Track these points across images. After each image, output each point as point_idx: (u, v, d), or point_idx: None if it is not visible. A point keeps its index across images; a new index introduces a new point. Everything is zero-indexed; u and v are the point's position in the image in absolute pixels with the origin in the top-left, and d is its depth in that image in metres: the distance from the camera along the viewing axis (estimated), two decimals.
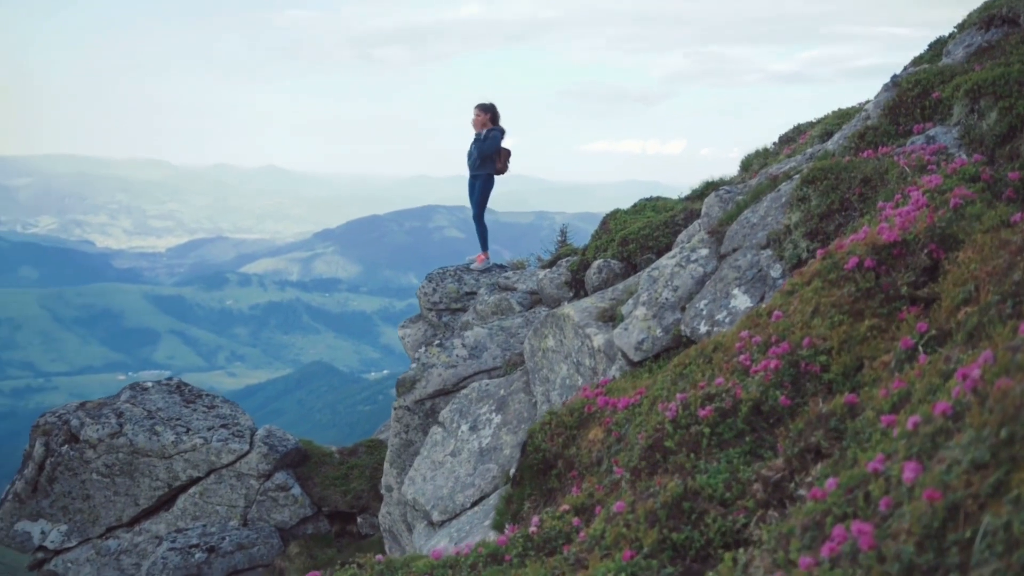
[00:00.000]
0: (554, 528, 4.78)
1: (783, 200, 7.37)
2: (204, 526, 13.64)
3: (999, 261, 4.29)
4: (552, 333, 8.70)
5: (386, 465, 10.61)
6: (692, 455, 4.61)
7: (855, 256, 5.10)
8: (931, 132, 6.87)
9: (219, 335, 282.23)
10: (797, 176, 7.33)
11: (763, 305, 5.86)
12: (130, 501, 14.19)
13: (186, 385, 15.67)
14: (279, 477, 14.03)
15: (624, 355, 7.53)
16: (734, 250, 7.50)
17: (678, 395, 4.97)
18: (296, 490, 14.01)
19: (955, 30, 8.76)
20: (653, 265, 8.19)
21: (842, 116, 10.19)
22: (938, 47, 9.48)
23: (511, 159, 14.88)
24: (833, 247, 5.45)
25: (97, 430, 14.11)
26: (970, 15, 8.58)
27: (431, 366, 10.19)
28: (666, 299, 7.59)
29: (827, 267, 5.26)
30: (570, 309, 8.52)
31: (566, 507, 5.14)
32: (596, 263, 10.09)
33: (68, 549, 14.30)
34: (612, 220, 11.28)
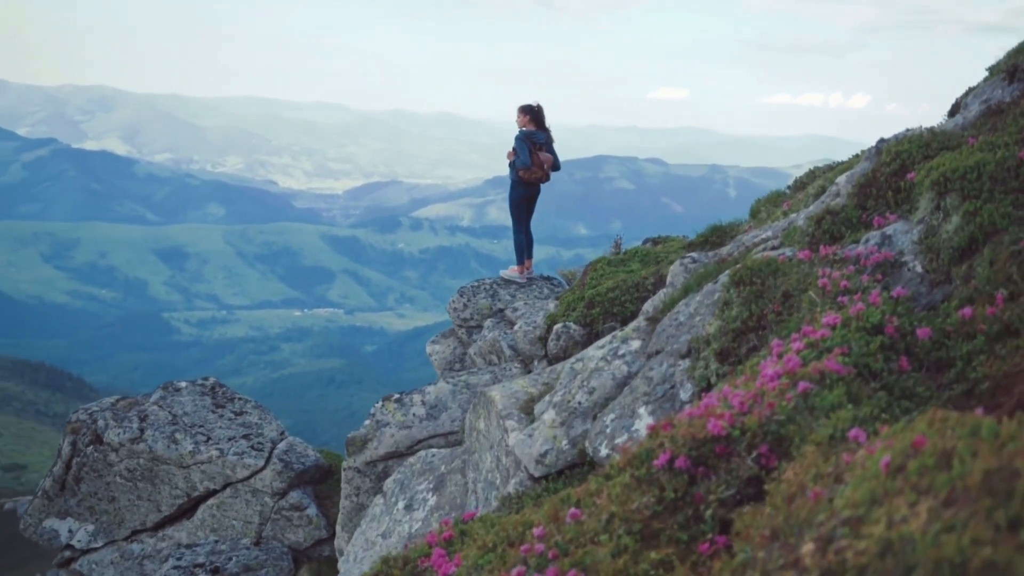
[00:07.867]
0: None
1: (716, 296, 5.99)
2: (216, 542, 13.20)
3: (785, 517, 2.99)
4: (483, 415, 7.57)
5: (337, 527, 9.75)
6: None
7: (668, 450, 3.83)
8: (890, 229, 5.35)
9: (390, 277, 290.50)
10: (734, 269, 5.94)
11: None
12: (152, 507, 13.93)
13: (221, 386, 15.24)
14: (294, 496, 13.43)
15: (525, 467, 6.37)
16: (657, 352, 6.17)
17: None
18: (311, 510, 13.37)
19: (987, 74, 6.97)
20: (578, 356, 6.91)
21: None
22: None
23: (548, 167, 13.81)
24: (660, 425, 4.15)
25: (119, 434, 13.85)
26: (1005, 57, 6.81)
27: (385, 424, 9.19)
28: (579, 403, 6.34)
29: (642, 455, 3.99)
30: (496, 392, 7.32)
31: None
32: (556, 327, 8.75)
33: (94, 550, 14.19)
34: (592, 271, 9.86)
